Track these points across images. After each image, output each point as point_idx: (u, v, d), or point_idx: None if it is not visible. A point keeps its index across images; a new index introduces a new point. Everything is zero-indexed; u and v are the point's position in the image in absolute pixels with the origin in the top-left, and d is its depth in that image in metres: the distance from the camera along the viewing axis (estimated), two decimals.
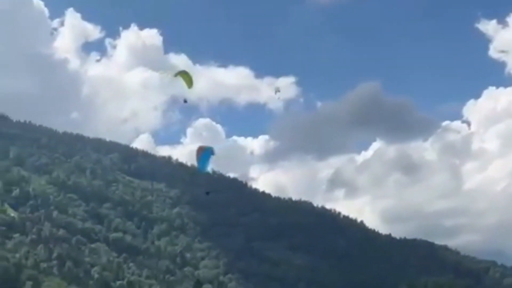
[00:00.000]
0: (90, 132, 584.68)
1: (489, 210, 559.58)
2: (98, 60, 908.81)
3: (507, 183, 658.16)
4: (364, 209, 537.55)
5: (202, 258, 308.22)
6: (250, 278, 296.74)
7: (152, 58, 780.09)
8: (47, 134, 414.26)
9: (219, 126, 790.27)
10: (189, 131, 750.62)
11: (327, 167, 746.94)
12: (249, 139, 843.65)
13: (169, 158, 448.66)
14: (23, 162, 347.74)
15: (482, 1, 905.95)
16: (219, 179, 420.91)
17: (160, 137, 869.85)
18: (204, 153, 67.72)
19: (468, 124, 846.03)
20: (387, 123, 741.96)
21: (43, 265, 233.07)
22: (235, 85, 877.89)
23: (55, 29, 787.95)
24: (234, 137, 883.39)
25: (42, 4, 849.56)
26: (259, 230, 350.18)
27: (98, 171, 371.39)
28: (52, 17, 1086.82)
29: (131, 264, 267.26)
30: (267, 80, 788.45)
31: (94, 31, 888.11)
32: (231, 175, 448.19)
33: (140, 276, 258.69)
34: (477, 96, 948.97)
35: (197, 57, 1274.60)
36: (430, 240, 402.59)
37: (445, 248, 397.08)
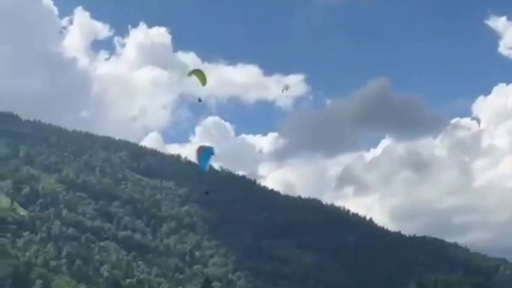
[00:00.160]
0: (99, 130, 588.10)
1: (499, 207, 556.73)
2: (107, 59, 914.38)
3: None
4: (374, 207, 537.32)
5: (211, 256, 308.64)
6: (259, 276, 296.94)
7: (161, 57, 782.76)
8: (56, 133, 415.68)
9: (228, 124, 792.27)
10: (198, 129, 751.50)
11: (336, 165, 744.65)
12: (258, 136, 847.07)
13: (178, 156, 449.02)
14: (33, 160, 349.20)
15: None
16: (228, 177, 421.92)
17: (169, 135, 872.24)
18: (204, 153, 68.07)
19: (478, 121, 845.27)
20: (396, 120, 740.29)
21: (53, 263, 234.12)
22: (244, 83, 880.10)
23: (64, 27, 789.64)
24: (243, 135, 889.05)
25: (51, 3, 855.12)
26: (267, 228, 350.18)
27: (107, 169, 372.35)
28: (61, 16, 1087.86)
29: (140, 262, 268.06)
30: (276, 77, 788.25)
31: (103, 30, 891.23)
32: (240, 173, 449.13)
33: (149, 274, 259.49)
34: (487, 92, 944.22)
35: (206, 55, 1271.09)
36: (439, 237, 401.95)
37: (455, 245, 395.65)
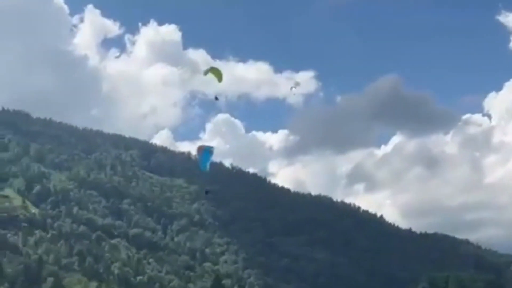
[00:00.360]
0: (109, 128, 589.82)
1: (511, 203, 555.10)
2: (117, 57, 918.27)
3: None
4: (384, 204, 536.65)
5: (222, 254, 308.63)
6: (270, 273, 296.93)
7: (171, 54, 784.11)
8: (67, 131, 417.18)
9: (238, 122, 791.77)
10: (208, 126, 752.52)
11: (346, 162, 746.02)
12: (268, 134, 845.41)
13: (188, 154, 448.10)
14: (44, 158, 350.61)
15: None
16: (238, 174, 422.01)
17: (179, 133, 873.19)
18: (204, 153, 68.70)
19: (489, 117, 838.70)
20: (407, 117, 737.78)
21: (64, 261, 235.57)
22: (254, 80, 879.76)
23: (75, 25, 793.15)
24: (253, 132, 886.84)
25: (62, 1, 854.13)
26: (278, 225, 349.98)
27: (118, 167, 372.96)
28: (71, 14, 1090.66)
29: (151, 260, 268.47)
30: (286, 74, 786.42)
31: (113, 28, 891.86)
32: (251, 170, 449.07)
33: (160, 272, 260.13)
34: (498, 88, 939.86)
35: (216, 52, 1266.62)
36: (451, 234, 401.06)
37: (466, 242, 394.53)
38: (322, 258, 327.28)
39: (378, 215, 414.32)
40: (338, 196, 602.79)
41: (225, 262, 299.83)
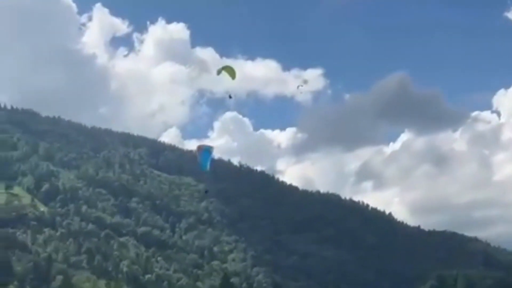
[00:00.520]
0: (118, 126, 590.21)
1: None
2: (125, 55, 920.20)
3: None
4: (393, 201, 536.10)
5: (230, 252, 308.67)
6: (278, 271, 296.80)
7: (180, 52, 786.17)
8: (75, 129, 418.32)
9: (246, 119, 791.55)
10: (216, 124, 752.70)
11: (355, 159, 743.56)
12: (277, 131, 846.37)
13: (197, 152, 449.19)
14: (52, 157, 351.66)
15: None
16: (247, 172, 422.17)
17: (188, 131, 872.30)
18: (203, 152, 69.00)
19: (498, 114, 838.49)
20: (416, 114, 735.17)
21: (73, 259, 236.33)
22: (262, 77, 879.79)
23: (83, 24, 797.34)
24: (262, 130, 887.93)
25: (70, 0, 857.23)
26: (286, 223, 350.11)
27: (126, 165, 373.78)
28: (80, 13, 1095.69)
29: (159, 258, 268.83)
30: (295, 72, 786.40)
31: (121, 26, 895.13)
32: (259, 168, 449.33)
33: (168, 270, 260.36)
34: (507, 85, 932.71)
35: (224, 51, 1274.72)
36: (459, 232, 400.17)
37: (475, 240, 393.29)
38: (330, 256, 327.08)
39: (387, 212, 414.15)
40: (346, 193, 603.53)
41: (233, 260, 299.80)
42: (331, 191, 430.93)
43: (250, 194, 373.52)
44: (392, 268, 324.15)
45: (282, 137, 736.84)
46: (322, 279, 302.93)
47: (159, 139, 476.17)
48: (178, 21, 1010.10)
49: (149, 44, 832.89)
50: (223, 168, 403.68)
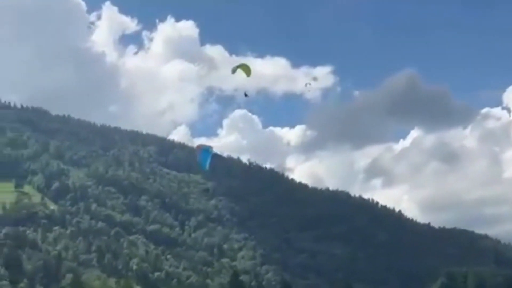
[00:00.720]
0: (127, 125, 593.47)
1: None
2: (135, 53, 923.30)
3: None
4: (402, 199, 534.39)
5: (239, 249, 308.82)
6: (287, 269, 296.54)
7: (189, 50, 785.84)
8: (85, 128, 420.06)
9: (255, 117, 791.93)
10: (226, 122, 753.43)
11: (364, 157, 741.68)
12: (286, 129, 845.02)
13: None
14: (62, 155, 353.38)
15: None
16: (256, 170, 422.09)
17: (197, 129, 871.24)
18: (203, 152, 69.20)
19: (508, 110, 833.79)
20: (426, 111, 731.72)
21: (83, 257, 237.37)
22: (271, 75, 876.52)
23: (93, 23, 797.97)
24: (271, 128, 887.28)
25: None
26: (295, 221, 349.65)
27: (136, 163, 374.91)
28: (89, 11, 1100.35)
29: (168, 256, 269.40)
30: (304, 69, 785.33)
31: (131, 24, 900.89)
32: (268, 165, 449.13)
33: (177, 267, 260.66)
34: None
35: (233, 48, 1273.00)
36: (470, 229, 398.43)
37: (485, 237, 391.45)
38: (339, 254, 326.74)
39: (396, 210, 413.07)
40: (355, 191, 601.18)
41: (243, 258, 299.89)
42: (340, 188, 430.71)
43: (259, 192, 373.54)
44: (401, 265, 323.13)
45: (291, 134, 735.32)
46: (331, 277, 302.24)
47: (168, 137, 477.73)
48: (187, 18, 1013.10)
49: (158, 42, 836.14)
50: (232, 166, 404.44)
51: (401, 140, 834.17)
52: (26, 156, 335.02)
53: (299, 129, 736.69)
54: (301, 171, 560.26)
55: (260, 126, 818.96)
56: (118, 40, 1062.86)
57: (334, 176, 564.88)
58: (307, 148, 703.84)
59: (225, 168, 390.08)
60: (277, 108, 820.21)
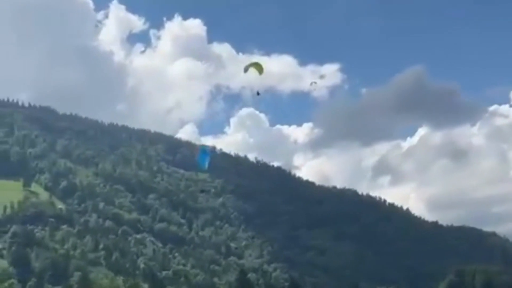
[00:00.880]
0: (135, 123, 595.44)
1: None
2: (142, 52, 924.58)
3: None
4: (410, 196, 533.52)
5: (247, 248, 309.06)
6: (295, 267, 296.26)
7: (196, 48, 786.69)
8: (93, 126, 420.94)
9: (262, 115, 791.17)
10: (233, 120, 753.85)
11: (372, 154, 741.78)
12: (293, 127, 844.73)
13: (213, 148, 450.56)
14: (70, 154, 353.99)
15: None
16: (263, 168, 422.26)
17: (204, 127, 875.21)
18: (200, 153, 69.82)
19: None
20: (433, 109, 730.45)
21: (90, 255, 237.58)
22: (279, 73, 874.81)
23: (100, 21, 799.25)
24: (278, 126, 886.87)
25: None
26: (303, 219, 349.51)
27: (143, 162, 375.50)
28: (96, 10, 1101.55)
29: (176, 254, 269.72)
30: (311, 67, 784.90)
31: (138, 23, 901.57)
32: (275, 164, 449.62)
33: (185, 266, 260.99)
34: None
35: (241, 46, 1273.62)
36: (478, 227, 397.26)
37: (493, 235, 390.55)
38: (347, 252, 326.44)
39: (404, 208, 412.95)
40: (363, 189, 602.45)
41: (250, 256, 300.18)
42: (347, 186, 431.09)
43: (266, 190, 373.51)
44: (409, 263, 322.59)
45: (298, 132, 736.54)
46: (339, 275, 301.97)
47: (175, 136, 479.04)
48: (195, 17, 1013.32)
49: (166, 41, 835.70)
50: (239, 164, 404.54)
51: (409, 138, 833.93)
52: (34, 155, 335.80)
53: (306, 127, 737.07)
54: (309, 169, 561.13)
55: (267, 124, 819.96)
56: (125, 38, 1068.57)
57: (342, 174, 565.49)
58: (315, 146, 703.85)
59: (232, 166, 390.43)
60: (285, 106, 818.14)
